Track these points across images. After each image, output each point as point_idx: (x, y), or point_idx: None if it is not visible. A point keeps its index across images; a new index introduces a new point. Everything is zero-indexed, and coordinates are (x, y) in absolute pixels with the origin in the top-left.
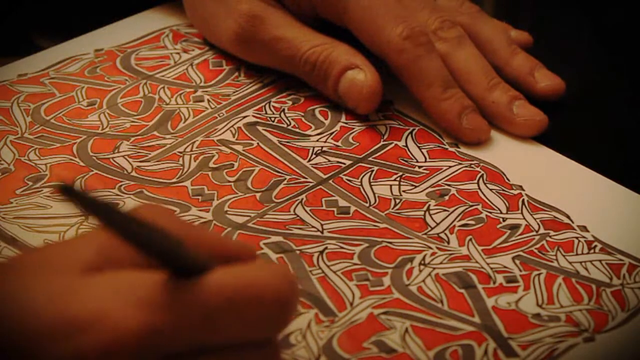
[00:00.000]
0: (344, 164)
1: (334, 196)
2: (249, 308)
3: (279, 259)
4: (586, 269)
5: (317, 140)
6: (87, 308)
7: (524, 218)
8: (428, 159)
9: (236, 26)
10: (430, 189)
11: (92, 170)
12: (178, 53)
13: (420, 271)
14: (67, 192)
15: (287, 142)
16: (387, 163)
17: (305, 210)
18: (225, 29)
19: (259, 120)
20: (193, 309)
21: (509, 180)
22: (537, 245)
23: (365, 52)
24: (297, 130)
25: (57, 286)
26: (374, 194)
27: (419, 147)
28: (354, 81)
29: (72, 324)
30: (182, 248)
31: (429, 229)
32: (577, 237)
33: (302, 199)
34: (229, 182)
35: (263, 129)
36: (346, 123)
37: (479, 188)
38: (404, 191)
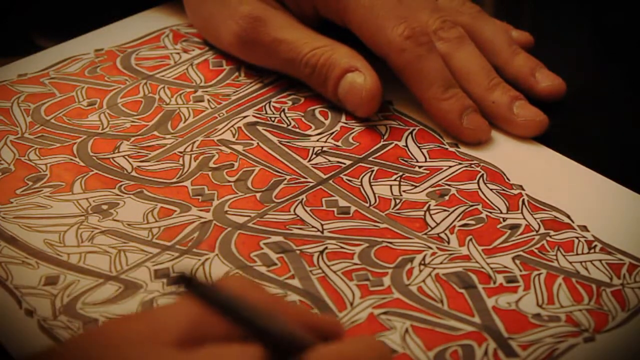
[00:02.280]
0: (344, 164)
1: (334, 196)
2: None
3: (279, 258)
4: (586, 268)
5: (317, 140)
6: None
7: (524, 218)
8: (428, 159)
9: (237, 28)
10: (430, 189)
11: (92, 170)
12: (178, 53)
13: (421, 271)
14: (188, 283)
15: (287, 142)
16: (387, 163)
17: (306, 210)
18: (226, 31)
19: (259, 120)
20: None
21: (509, 180)
22: (537, 245)
23: (366, 54)
24: (297, 130)
25: None
26: (374, 194)
27: (419, 147)
28: (354, 84)
29: None
30: (279, 325)
31: (429, 229)
32: (577, 237)
33: (302, 199)
34: (229, 182)
35: (263, 129)
36: (346, 123)
37: (479, 188)
38: (404, 191)
